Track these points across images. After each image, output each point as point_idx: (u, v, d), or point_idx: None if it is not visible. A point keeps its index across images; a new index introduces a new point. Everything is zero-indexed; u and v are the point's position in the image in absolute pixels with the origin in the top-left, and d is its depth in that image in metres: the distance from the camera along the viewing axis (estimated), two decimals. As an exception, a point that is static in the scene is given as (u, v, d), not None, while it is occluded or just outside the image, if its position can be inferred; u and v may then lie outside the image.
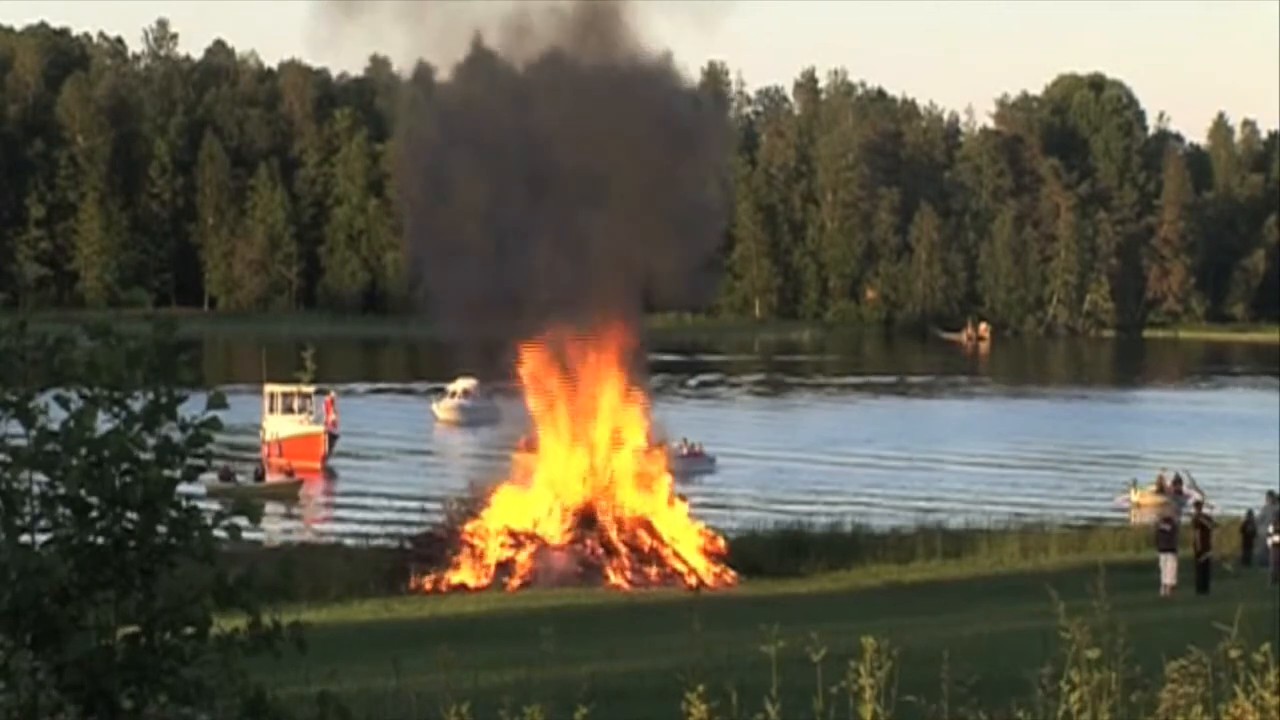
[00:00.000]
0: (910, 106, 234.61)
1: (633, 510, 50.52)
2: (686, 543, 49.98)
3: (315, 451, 79.29)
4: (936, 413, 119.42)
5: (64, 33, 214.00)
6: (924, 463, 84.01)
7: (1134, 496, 67.72)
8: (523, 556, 48.60)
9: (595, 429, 51.78)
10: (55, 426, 7.16)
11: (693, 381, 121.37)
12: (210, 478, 61.21)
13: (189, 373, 7.24)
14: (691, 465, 70.48)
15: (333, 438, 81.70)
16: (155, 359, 7.16)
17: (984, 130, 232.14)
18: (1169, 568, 42.10)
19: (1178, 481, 67.83)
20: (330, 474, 79.42)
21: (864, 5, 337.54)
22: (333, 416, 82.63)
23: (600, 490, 50.78)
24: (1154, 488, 68.58)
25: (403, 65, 56.82)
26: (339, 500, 73.52)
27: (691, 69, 55.96)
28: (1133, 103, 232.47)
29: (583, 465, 51.27)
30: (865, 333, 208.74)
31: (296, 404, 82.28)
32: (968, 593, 42.71)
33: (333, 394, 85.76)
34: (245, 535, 7.36)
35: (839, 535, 53.40)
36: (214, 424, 7.25)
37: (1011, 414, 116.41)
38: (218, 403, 7.25)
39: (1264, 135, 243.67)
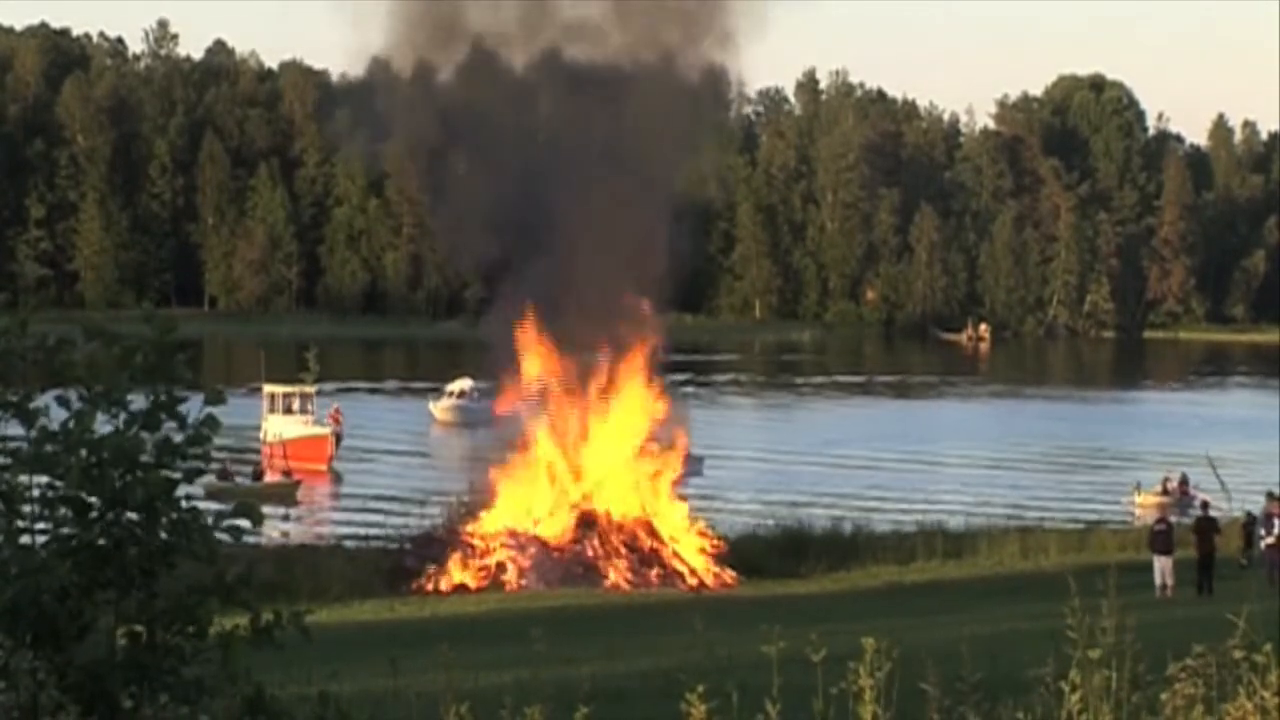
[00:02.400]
0: (910, 107, 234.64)
1: (633, 511, 50.50)
2: (687, 543, 49.96)
3: (321, 453, 79.26)
4: (936, 413, 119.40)
5: (64, 33, 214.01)
6: (924, 463, 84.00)
7: (1138, 499, 67.68)
8: (523, 557, 48.57)
9: (599, 430, 51.76)
10: (55, 427, 7.15)
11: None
12: (208, 478, 61.25)
13: (185, 371, 7.23)
14: None
15: (338, 438, 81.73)
16: (153, 358, 7.15)
17: (984, 131, 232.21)
18: (1165, 569, 42.08)
19: (1183, 483, 67.84)
20: (335, 476, 79.37)
21: (864, 5, 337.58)
22: (338, 428, 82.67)
23: (602, 491, 50.75)
24: (1159, 489, 68.55)
25: (402, 65, 56.57)
26: (339, 500, 73.50)
27: (692, 70, 55.63)
28: (1133, 103, 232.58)
29: (585, 467, 51.26)
30: (865, 333, 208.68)
31: (296, 404, 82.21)
32: (968, 593, 42.69)
33: (337, 406, 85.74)
34: (244, 538, 7.35)
35: (839, 536, 53.31)
36: (213, 423, 7.24)
37: (1011, 415, 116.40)
38: (215, 400, 7.24)
39: (1264, 136, 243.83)
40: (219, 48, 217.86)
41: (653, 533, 50.07)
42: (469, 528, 49.70)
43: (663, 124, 53.34)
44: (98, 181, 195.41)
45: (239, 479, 67.69)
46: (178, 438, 7.16)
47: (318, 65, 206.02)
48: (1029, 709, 10.34)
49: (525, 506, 50.38)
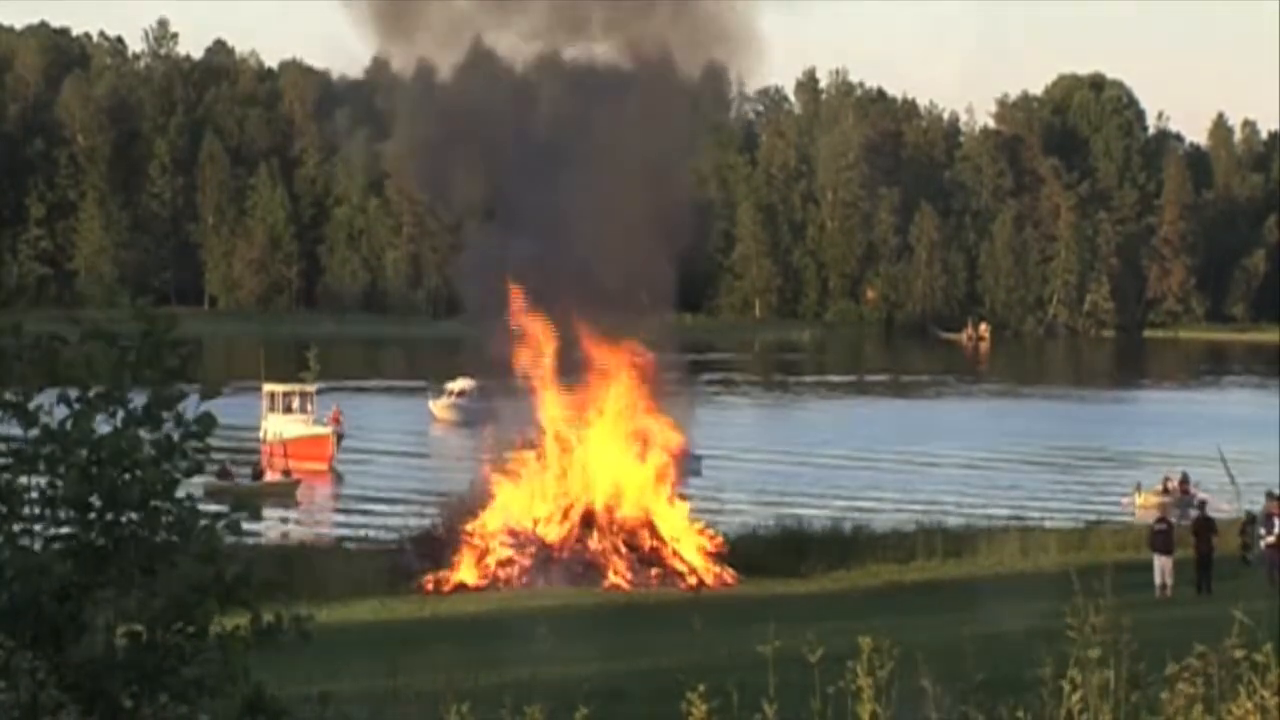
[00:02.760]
0: (910, 106, 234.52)
1: (633, 510, 50.46)
2: (686, 542, 49.93)
3: (323, 453, 79.20)
4: (936, 413, 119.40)
5: (64, 32, 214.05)
6: (924, 463, 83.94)
7: (1139, 498, 67.66)
8: (523, 557, 48.54)
9: (600, 429, 51.71)
10: (54, 426, 7.14)
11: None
12: (208, 477, 61.24)
13: (177, 361, 7.21)
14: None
15: (339, 438, 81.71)
16: (148, 352, 7.15)
17: (984, 130, 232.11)
18: (1164, 568, 42.09)
19: (1184, 482, 67.84)
20: (335, 475, 79.30)
21: (864, 5, 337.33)
22: (339, 428, 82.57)
23: (602, 490, 50.71)
24: (1159, 489, 68.52)
25: (403, 65, 56.63)
26: (339, 500, 73.46)
27: (692, 69, 55.63)
28: (1133, 103, 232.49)
29: (585, 465, 51.21)
30: (865, 333, 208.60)
31: (296, 403, 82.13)
32: (968, 593, 42.65)
33: (338, 407, 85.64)
34: (244, 535, 7.35)
35: (839, 535, 53.30)
36: (209, 420, 7.23)
37: (1011, 414, 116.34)
38: (210, 394, 7.23)
39: (1264, 135, 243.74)
40: (219, 47, 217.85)
41: (653, 532, 50.04)
42: (469, 527, 49.67)
43: (663, 124, 53.30)
44: (98, 181, 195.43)
45: (239, 479, 67.68)
46: (176, 435, 7.15)
47: (318, 65, 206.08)
48: (1029, 709, 10.33)
49: (525, 506, 50.35)
